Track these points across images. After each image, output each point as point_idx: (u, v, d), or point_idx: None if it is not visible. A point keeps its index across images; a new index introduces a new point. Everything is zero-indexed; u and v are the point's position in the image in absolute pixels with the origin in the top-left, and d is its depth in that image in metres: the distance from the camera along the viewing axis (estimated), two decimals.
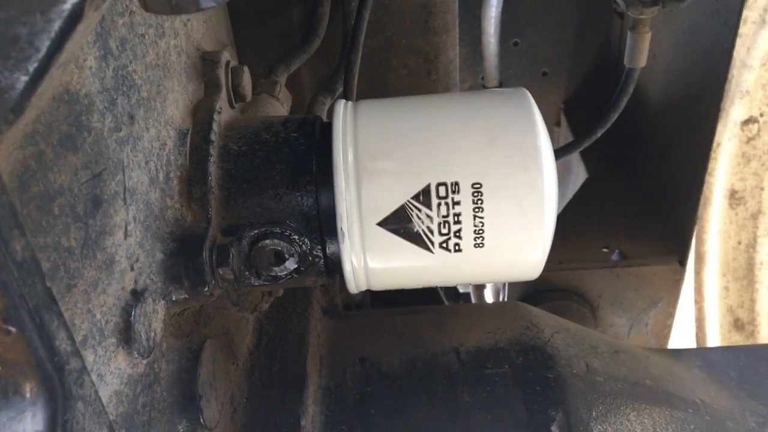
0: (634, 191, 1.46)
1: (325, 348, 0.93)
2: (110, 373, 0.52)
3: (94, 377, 0.49)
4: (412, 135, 0.68)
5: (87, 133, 0.50)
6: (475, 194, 0.66)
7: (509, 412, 0.85)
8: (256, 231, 0.67)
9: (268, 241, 0.68)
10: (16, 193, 0.41)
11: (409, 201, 0.66)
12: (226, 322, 0.77)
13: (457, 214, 0.66)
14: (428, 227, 0.67)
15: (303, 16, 1.08)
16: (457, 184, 0.66)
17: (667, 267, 1.34)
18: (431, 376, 0.89)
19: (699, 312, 2.25)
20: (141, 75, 0.59)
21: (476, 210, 0.66)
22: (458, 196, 0.66)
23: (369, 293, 1.15)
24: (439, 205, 0.66)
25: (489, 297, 1.79)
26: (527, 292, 1.38)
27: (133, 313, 0.55)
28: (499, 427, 0.84)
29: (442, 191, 0.66)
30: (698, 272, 2.08)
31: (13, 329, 0.39)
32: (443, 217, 0.66)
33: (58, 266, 0.46)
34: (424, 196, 0.66)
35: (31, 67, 0.38)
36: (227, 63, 0.75)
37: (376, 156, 0.67)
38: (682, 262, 1.35)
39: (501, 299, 1.51)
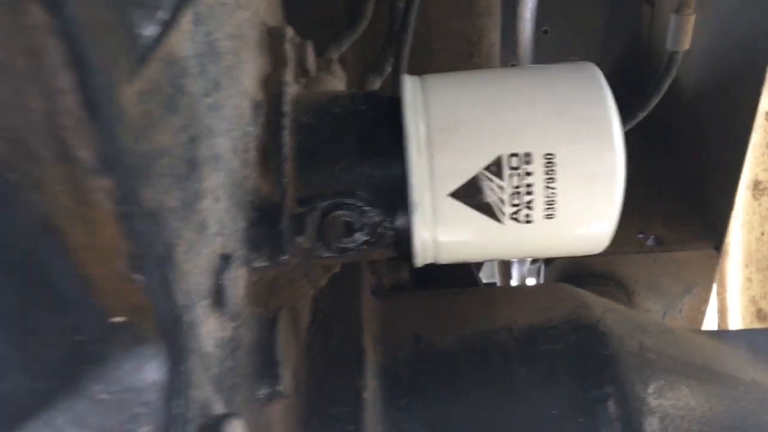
0: (670, 176, 1.46)
1: (377, 326, 0.94)
2: (206, 334, 0.53)
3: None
4: (482, 106, 0.69)
5: (184, 96, 0.51)
6: (548, 165, 0.66)
7: (565, 388, 0.85)
8: (328, 202, 0.68)
9: (339, 212, 0.68)
10: None
11: (481, 172, 0.67)
12: (293, 295, 0.77)
13: (529, 185, 0.67)
14: (499, 198, 0.67)
15: None
16: (529, 154, 0.66)
17: (703, 252, 1.34)
18: (485, 354, 0.89)
19: (721, 303, 2.25)
20: (223, 43, 0.60)
21: (548, 181, 0.66)
22: (530, 167, 0.66)
23: (411, 276, 1.16)
24: (510, 175, 0.66)
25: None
26: (562, 278, 1.39)
27: (223, 277, 0.56)
28: (555, 403, 0.84)
29: (514, 162, 0.66)
30: (721, 263, 2.09)
31: (140, 277, 0.40)
32: (515, 188, 0.67)
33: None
34: (495, 167, 0.66)
35: (162, 17, 0.39)
36: (293, 38, 0.76)
37: (448, 127, 0.68)
38: (718, 248, 1.35)
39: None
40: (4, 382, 0.44)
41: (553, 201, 0.67)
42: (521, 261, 1.70)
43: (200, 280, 0.53)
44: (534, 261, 1.54)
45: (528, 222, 0.68)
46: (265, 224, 0.63)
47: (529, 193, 0.67)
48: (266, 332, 0.66)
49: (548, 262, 1.48)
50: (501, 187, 0.67)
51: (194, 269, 0.51)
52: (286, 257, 0.64)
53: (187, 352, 0.45)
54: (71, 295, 0.41)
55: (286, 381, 0.67)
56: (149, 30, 0.38)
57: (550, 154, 0.66)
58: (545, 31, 1.67)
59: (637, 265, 1.34)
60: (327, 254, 0.70)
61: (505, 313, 0.95)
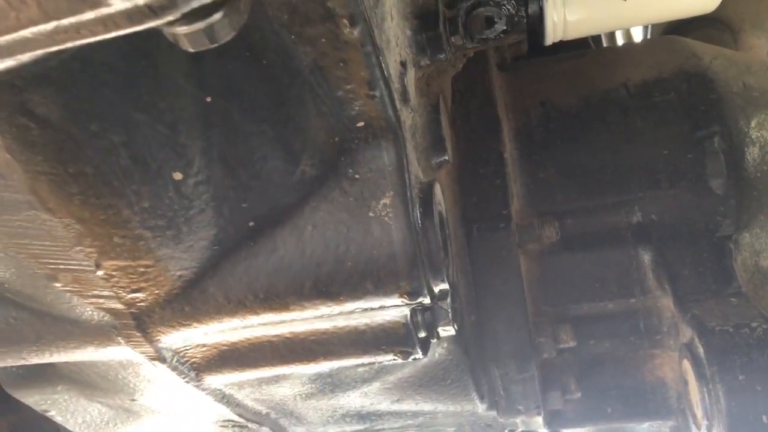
0: None
1: (507, 96, 1.09)
2: (405, 125, 0.71)
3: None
4: None
5: None
6: None
7: (676, 131, 1.00)
8: (471, 1, 0.80)
9: (481, 9, 0.81)
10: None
11: None
12: (443, 83, 0.93)
13: None
14: None
15: None
16: None
17: None
18: (605, 109, 1.04)
19: None
20: None
21: None
22: None
23: (527, 45, 1.27)
24: None
25: None
26: (669, 29, 1.44)
27: (404, 79, 0.72)
28: (669, 143, 1.00)
29: None
30: None
31: (375, 94, 0.57)
32: None
33: None
34: None
35: None
36: None
37: None
38: None
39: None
40: (267, 165, 0.64)
41: None
42: None
43: (397, 86, 0.69)
44: None
45: None
46: (426, 30, 0.77)
47: None
48: (432, 116, 0.83)
49: None
50: None
51: (393, 79, 0.68)
52: (443, 55, 0.78)
53: (404, 140, 0.63)
54: (331, 110, 0.59)
55: (449, 151, 0.85)
56: None
57: None
58: None
59: (743, 5, 1.37)
60: (470, 45, 0.83)
61: (620, 71, 1.07)
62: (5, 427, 1.28)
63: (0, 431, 1.27)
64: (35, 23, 0.39)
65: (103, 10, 0.38)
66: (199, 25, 0.40)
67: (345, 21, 0.51)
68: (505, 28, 0.82)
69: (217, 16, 0.40)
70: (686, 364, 0.85)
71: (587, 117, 1.04)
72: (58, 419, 0.99)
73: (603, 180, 1.00)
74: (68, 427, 1.03)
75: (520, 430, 1.10)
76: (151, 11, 0.39)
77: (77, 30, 0.40)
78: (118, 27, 0.40)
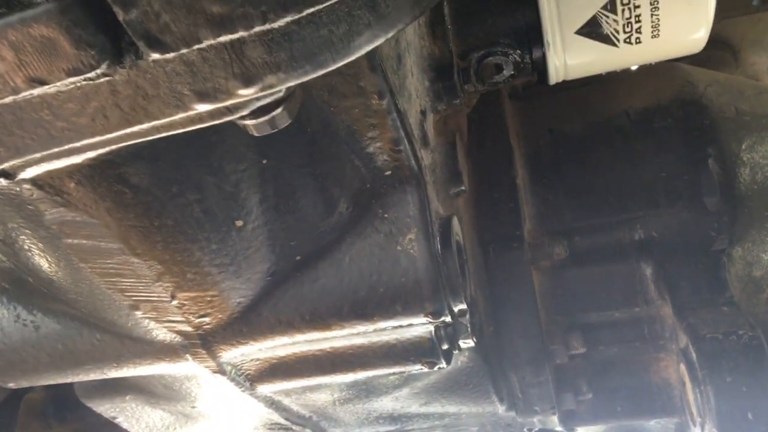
0: None
1: (518, 125, 1.20)
2: (426, 166, 0.82)
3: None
4: None
5: None
6: None
7: (674, 153, 1.10)
8: (481, 52, 0.91)
9: (490, 58, 0.92)
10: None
11: (599, 11, 0.86)
12: (459, 121, 1.04)
13: (638, 15, 0.86)
14: (614, 29, 0.87)
15: None
16: None
17: None
18: (609, 135, 1.14)
19: None
20: None
21: (653, 10, 0.85)
22: (638, 1, 0.85)
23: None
24: (623, 10, 0.86)
25: None
26: None
27: (424, 125, 0.83)
28: (667, 166, 1.10)
29: None
30: None
31: (399, 148, 0.69)
32: (626, 19, 0.86)
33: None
34: (611, 5, 0.86)
35: None
36: None
37: None
38: None
39: None
40: (310, 210, 0.75)
41: (657, 24, 0.86)
42: None
43: (418, 132, 0.80)
44: None
45: (638, 43, 0.88)
46: (442, 80, 0.88)
47: (638, 22, 0.86)
48: (449, 152, 0.94)
49: None
50: (615, 20, 0.86)
51: (414, 127, 0.79)
52: (458, 100, 0.89)
53: (425, 184, 0.74)
54: (363, 163, 0.70)
55: (466, 182, 0.96)
56: None
57: None
58: None
59: (743, 26, 1.46)
60: (482, 88, 0.94)
61: (623, 99, 1.17)
62: None
63: None
64: (139, 123, 0.51)
65: (192, 113, 0.50)
66: (264, 118, 0.52)
67: (374, 95, 0.63)
68: (512, 72, 0.93)
69: (278, 110, 0.51)
70: (683, 368, 0.95)
71: (592, 142, 1.14)
72: (125, 425, 1.13)
73: (607, 200, 1.11)
74: (132, 431, 1.16)
75: (537, 428, 1.21)
76: (228, 110, 0.51)
77: (170, 126, 0.52)
78: (202, 122, 0.52)
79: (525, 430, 1.22)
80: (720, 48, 1.50)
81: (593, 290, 1.10)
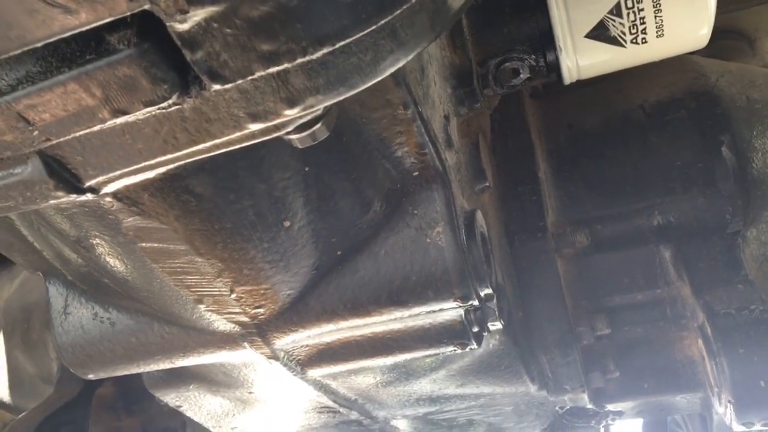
0: None
1: (539, 122, 1.27)
2: (450, 166, 0.90)
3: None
4: None
5: None
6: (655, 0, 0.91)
7: (688, 143, 1.16)
8: (498, 59, 0.99)
9: (507, 64, 1.00)
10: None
11: (606, 15, 0.93)
12: (481, 122, 1.12)
13: (642, 18, 0.93)
14: (621, 31, 0.94)
15: None
16: None
17: None
18: (625, 128, 1.21)
19: None
20: None
21: (656, 11, 0.92)
22: (641, 5, 0.92)
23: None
24: (628, 13, 0.93)
25: None
26: None
27: (448, 129, 0.92)
28: (681, 155, 1.16)
29: (629, 3, 0.92)
30: None
31: (424, 152, 0.77)
32: (632, 21, 0.93)
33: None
34: (616, 9, 0.93)
35: None
36: None
37: None
38: None
39: None
40: (348, 210, 0.85)
41: (661, 25, 0.93)
42: None
43: (442, 135, 0.89)
44: None
45: (644, 43, 0.95)
46: (462, 86, 0.97)
47: (642, 23, 0.93)
48: (473, 152, 1.02)
49: None
50: (622, 23, 0.94)
51: (438, 132, 0.88)
52: (478, 105, 0.98)
53: (450, 182, 0.83)
54: (393, 166, 0.79)
55: (490, 178, 1.05)
56: None
57: None
58: None
59: (759, 14, 1.50)
60: (500, 91, 1.02)
61: (636, 94, 1.24)
62: (138, 425, 1.54)
63: (134, 429, 1.53)
64: (203, 142, 0.61)
65: (246, 131, 0.60)
66: (306, 132, 0.61)
67: (400, 106, 0.72)
68: (528, 75, 1.01)
69: (318, 125, 0.61)
70: (701, 343, 1.01)
71: (609, 136, 1.21)
72: (189, 413, 1.24)
73: (626, 190, 1.17)
74: (195, 418, 1.27)
75: (569, 406, 1.28)
76: (275, 128, 0.60)
77: (228, 143, 0.62)
78: (254, 138, 0.62)
79: (557, 408, 1.30)
80: (736, 38, 1.55)
81: (616, 274, 1.17)
